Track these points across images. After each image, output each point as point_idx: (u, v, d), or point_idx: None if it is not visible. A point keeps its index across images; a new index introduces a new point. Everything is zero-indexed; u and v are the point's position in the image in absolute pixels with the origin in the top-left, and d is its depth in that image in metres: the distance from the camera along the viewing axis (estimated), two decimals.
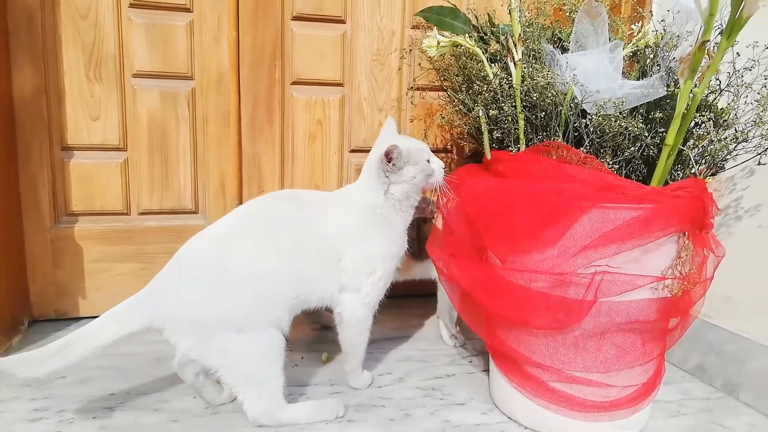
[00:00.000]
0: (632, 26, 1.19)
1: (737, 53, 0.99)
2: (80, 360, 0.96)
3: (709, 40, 0.90)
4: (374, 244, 1.14)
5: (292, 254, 1.06)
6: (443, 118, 1.25)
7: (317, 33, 1.57)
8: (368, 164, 1.18)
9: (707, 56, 0.91)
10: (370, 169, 1.17)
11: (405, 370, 1.31)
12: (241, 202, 1.59)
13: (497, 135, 1.06)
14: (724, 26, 0.90)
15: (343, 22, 1.58)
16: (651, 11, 1.18)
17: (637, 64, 1.15)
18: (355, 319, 1.16)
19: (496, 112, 1.04)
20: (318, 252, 1.10)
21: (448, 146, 1.71)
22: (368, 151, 1.70)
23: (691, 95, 0.92)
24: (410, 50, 1.53)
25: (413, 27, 1.61)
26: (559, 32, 1.21)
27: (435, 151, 1.65)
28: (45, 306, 1.50)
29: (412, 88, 1.59)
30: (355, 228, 1.13)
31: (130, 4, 1.43)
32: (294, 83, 1.58)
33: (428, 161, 1.16)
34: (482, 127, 1.05)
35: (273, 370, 1.03)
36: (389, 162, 1.11)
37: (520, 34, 1.03)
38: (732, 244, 1.22)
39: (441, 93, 1.48)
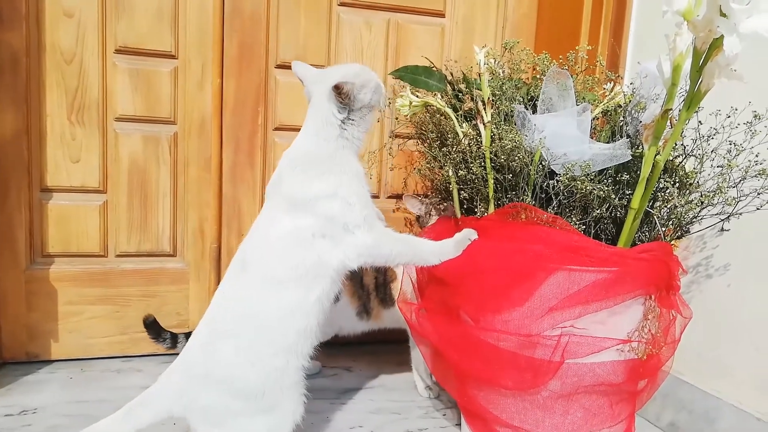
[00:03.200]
0: (604, 86, 1.22)
1: (699, 121, 1.01)
2: None
3: (671, 109, 0.92)
4: (342, 190, 1.01)
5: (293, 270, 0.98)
6: (419, 171, 1.26)
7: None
8: (315, 106, 1.06)
9: (670, 124, 0.94)
10: (318, 109, 1.05)
11: (376, 423, 1.29)
12: (219, 246, 1.59)
13: (465, 195, 1.08)
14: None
15: None
16: (620, 75, 1.21)
17: (608, 124, 1.17)
18: (367, 250, 1.02)
19: (465, 172, 1.05)
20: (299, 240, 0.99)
21: (429, 193, 1.72)
22: None
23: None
24: (389, 103, 1.56)
25: (396, 77, 1.64)
26: (534, 90, 1.24)
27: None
28: (16, 348, 1.48)
29: (391, 136, 1.61)
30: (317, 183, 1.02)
31: (115, 50, 1.46)
32: (276, 129, 1.61)
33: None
34: (452, 186, 1.06)
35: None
36: (343, 96, 1.01)
37: (489, 97, 1.05)
38: (702, 301, 1.24)
39: (420, 143, 1.50)
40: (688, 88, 0.92)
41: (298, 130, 1.60)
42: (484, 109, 1.05)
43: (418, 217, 1.46)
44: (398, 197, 1.72)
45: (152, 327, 1.39)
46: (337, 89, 1.01)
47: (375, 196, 1.69)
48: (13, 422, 1.20)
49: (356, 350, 1.68)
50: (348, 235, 1.00)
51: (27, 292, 1.46)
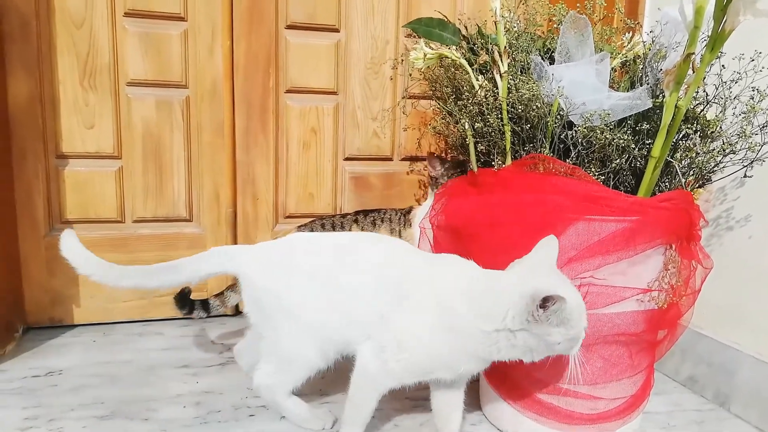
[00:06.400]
0: (623, 36, 1.19)
1: (723, 65, 0.99)
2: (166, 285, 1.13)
3: (694, 53, 0.90)
4: (430, 337, 0.92)
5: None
6: (434, 128, 1.25)
7: (311, 42, 1.58)
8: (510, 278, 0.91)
9: (692, 69, 0.91)
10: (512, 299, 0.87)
11: None
12: (235, 210, 1.60)
13: (482, 148, 1.06)
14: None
15: (337, 30, 1.59)
16: (639, 23, 1.18)
17: (627, 75, 1.15)
18: (365, 371, 0.97)
19: (481, 125, 1.04)
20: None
21: (443, 154, 1.70)
22: (363, 159, 1.70)
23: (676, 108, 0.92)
24: (402, 60, 1.54)
25: (407, 35, 1.62)
26: (551, 43, 1.21)
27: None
28: (39, 313, 1.50)
29: (405, 97, 1.60)
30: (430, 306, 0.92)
31: (124, 13, 1.44)
32: (288, 92, 1.59)
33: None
34: (468, 140, 1.05)
35: (302, 366, 1.03)
36: (542, 309, 0.83)
37: (506, 46, 1.03)
38: (723, 254, 1.22)
39: (434, 101, 1.48)
40: (710, 31, 0.89)
41: (311, 92, 1.61)
42: (501, 58, 1.02)
43: (434, 178, 1.45)
44: (412, 159, 1.70)
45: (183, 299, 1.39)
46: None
47: (388, 159, 1.69)
48: (40, 382, 1.23)
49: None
50: None
51: (48, 259, 1.48)
